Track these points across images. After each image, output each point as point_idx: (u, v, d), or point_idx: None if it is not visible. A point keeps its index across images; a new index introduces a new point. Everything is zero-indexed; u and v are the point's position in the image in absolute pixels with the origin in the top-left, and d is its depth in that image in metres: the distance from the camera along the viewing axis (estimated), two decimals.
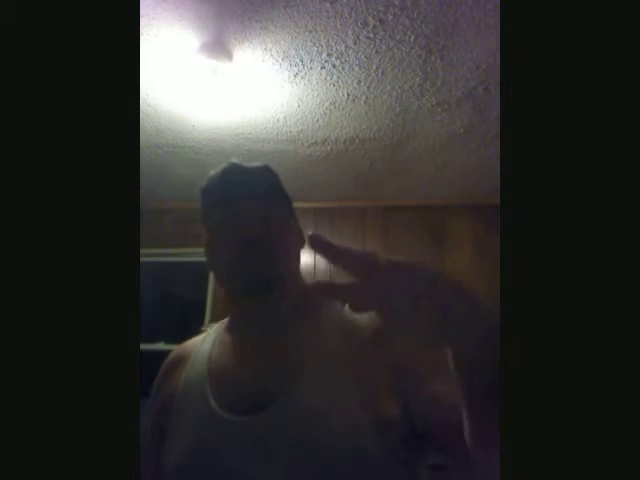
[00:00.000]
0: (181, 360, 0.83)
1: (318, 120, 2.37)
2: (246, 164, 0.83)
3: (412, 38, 1.78)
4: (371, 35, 1.78)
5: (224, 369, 0.74)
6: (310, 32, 1.77)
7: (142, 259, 2.79)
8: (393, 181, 3.02)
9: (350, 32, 1.77)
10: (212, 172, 0.84)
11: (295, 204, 0.86)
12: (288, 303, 0.78)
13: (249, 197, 0.78)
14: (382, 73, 1.99)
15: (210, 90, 2.07)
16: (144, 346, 2.80)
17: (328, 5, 1.64)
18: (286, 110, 2.29)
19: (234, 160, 0.83)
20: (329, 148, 2.65)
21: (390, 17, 1.69)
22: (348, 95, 2.15)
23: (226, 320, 0.87)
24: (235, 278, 0.75)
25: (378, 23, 1.72)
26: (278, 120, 2.38)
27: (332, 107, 2.25)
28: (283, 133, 2.50)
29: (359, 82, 2.05)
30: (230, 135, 2.51)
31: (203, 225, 0.82)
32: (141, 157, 2.64)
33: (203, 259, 0.84)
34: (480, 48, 1.79)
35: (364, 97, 2.15)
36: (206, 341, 0.83)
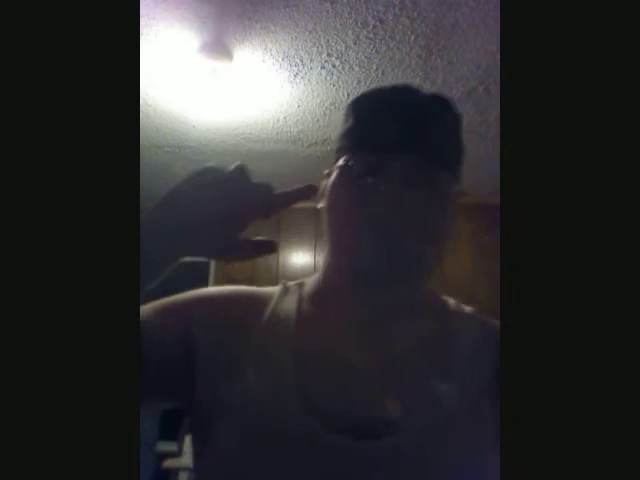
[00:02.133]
0: (248, 306, 0.59)
1: (318, 120, 2.37)
2: (425, 92, 0.57)
3: (412, 38, 1.78)
4: (371, 35, 1.78)
5: (321, 364, 0.53)
6: (310, 32, 1.77)
7: None
8: None
9: (350, 32, 1.77)
10: (371, 90, 0.59)
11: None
12: (415, 302, 0.58)
13: (419, 145, 0.52)
14: (382, 73, 1.99)
15: (210, 90, 2.06)
16: None
17: (328, 5, 1.64)
18: (286, 110, 2.29)
19: (408, 84, 0.57)
20: (329, 148, 2.64)
21: (390, 17, 1.69)
22: (348, 95, 2.15)
23: (312, 283, 0.62)
24: (360, 252, 0.53)
25: (378, 23, 1.72)
26: (278, 120, 2.38)
27: (332, 107, 2.25)
28: (283, 133, 2.50)
29: (359, 82, 2.05)
30: (230, 135, 2.51)
31: (335, 156, 0.58)
32: (141, 157, 2.64)
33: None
34: (480, 48, 1.79)
35: None
36: (285, 303, 0.59)
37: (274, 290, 0.62)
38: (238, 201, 0.48)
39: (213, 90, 2.07)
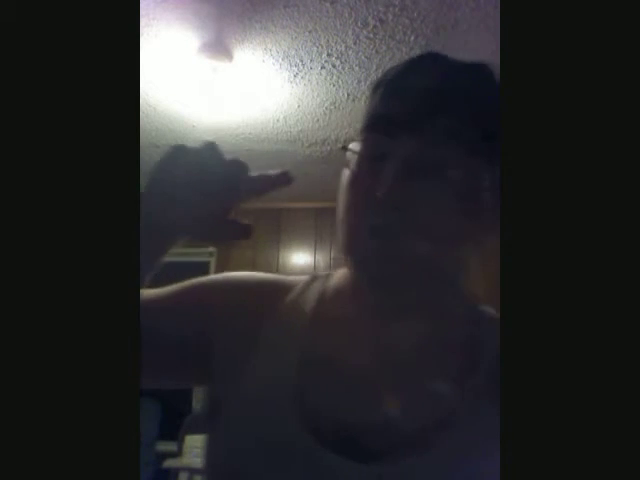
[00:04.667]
0: (267, 296, 0.54)
1: (318, 120, 2.37)
2: (452, 58, 0.49)
3: (412, 38, 1.78)
4: (371, 35, 1.78)
5: (326, 369, 0.48)
6: (310, 32, 1.77)
7: None
8: None
9: (350, 32, 1.77)
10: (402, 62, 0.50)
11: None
12: (444, 308, 0.51)
13: (451, 118, 0.43)
14: (382, 73, 1.99)
15: (210, 90, 2.06)
16: None
17: (328, 5, 1.64)
18: (286, 110, 2.29)
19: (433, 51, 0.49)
20: (329, 148, 2.65)
21: (390, 17, 1.69)
22: (348, 95, 2.15)
23: (338, 277, 0.55)
24: (362, 250, 0.46)
25: (378, 23, 1.72)
26: (278, 120, 2.38)
27: (332, 107, 2.25)
28: (283, 133, 2.50)
29: (359, 82, 2.05)
30: (230, 135, 2.51)
31: (360, 142, 0.48)
32: (141, 157, 2.64)
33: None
34: (480, 48, 1.79)
35: (364, 97, 2.15)
36: (307, 295, 0.54)
37: (299, 281, 0.56)
38: (210, 181, 0.44)
39: (213, 90, 2.06)
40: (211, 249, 3.20)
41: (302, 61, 1.93)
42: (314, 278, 0.56)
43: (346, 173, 0.49)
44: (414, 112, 0.44)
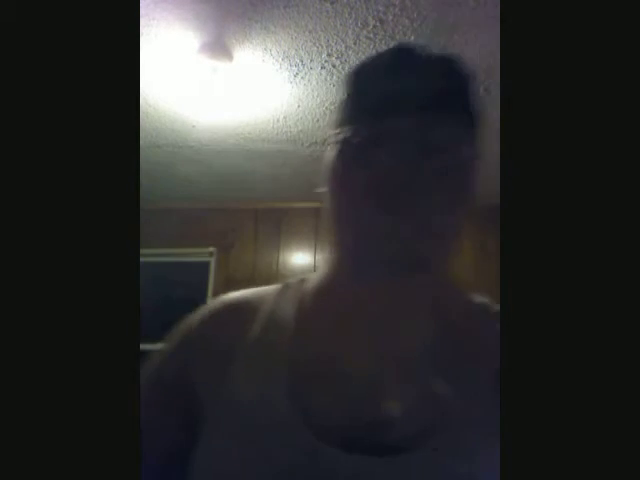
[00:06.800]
0: (239, 314, 0.53)
1: (318, 120, 2.37)
2: (427, 51, 0.49)
3: (412, 38, 1.78)
4: (371, 35, 1.78)
5: (321, 367, 0.47)
6: (310, 32, 1.77)
7: (142, 259, 2.78)
8: None
9: (350, 32, 1.77)
10: (368, 57, 0.51)
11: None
12: (433, 292, 0.51)
13: (422, 107, 0.45)
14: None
15: (210, 90, 2.06)
16: (144, 346, 2.80)
17: (328, 5, 1.64)
18: (286, 110, 2.29)
19: (406, 44, 0.50)
20: (329, 148, 2.65)
21: (390, 17, 1.69)
22: None
23: (315, 280, 0.56)
24: (367, 244, 0.46)
25: (378, 23, 1.72)
26: (278, 120, 2.38)
27: (332, 107, 2.25)
28: (283, 133, 2.49)
29: None
30: (230, 135, 2.51)
31: (334, 135, 0.51)
32: (141, 157, 2.64)
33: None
34: (480, 48, 1.79)
35: None
36: (283, 304, 0.53)
37: (272, 290, 0.57)
38: None
39: (213, 90, 2.06)
40: (211, 249, 3.20)
41: (302, 61, 1.93)
42: (286, 286, 0.57)
43: (335, 168, 0.51)
44: (401, 98, 0.45)
